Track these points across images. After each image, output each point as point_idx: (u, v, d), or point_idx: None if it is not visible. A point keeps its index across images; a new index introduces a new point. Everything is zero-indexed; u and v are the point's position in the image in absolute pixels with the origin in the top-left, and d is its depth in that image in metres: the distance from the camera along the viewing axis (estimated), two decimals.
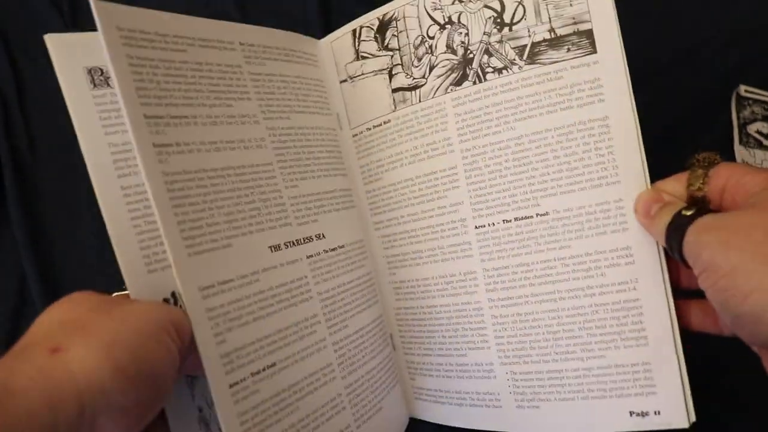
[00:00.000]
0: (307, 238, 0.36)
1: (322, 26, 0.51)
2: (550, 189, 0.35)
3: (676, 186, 0.34)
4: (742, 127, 0.51)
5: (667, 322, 0.34)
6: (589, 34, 0.35)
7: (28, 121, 0.49)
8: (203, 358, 0.28)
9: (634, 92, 0.49)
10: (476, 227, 0.38)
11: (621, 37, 0.35)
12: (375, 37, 0.40)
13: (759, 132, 0.51)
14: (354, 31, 0.41)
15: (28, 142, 0.48)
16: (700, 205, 0.32)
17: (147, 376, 0.25)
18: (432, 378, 0.41)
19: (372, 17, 0.40)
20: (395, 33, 0.40)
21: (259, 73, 0.36)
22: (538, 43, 0.36)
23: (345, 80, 0.42)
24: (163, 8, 0.32)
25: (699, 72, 0.50)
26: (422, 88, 0.39)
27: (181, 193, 0.30)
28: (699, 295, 0.31)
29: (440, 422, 0.41)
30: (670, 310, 0.34)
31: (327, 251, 0.38)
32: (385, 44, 0.40)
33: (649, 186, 0.35)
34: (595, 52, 0.35)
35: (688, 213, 0.31)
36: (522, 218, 0.36)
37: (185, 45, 0.33)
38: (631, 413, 0.35)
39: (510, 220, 0.37)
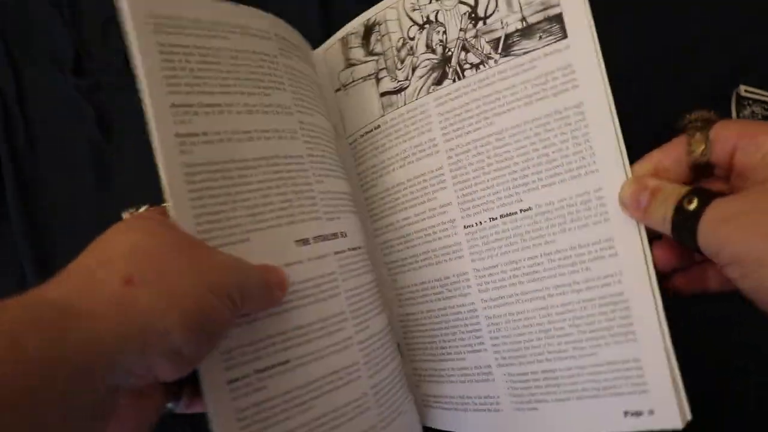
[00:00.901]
0: (333, 234, 0.36)
1: (322, 26, 0.52)
2: (531, 183, 0.35)
3: (669, 156, 0.31)
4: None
5: (653, 316, 0.33)
6: (558, 18, 0.34)
7: (27, 120, 0.49)
8: None
9: (632, 92, 0.49)
10: (465, 227, 0.38)
11: (592, 18, 0.34)
12: (362, 43, 0.41)
13: None
14: (343, 39, 0.41)
15: (28, 142, 0.48)
16: (696, 177, 0.29)
17: (207, 332, 0.25)
18: (436, 384, 0.41)
19: (358, 24, 0.41)
20: (379, 37, 0.40)
21: (291, 67, 0.36)
22: (511, 34, 0.35)
23: (339, 89, 0.42)
24: None
25: (699, 71, 0.50)
26: (407, 90, 0.39)
27: (202, 185, 0.29)
28: None
29: (447, 429, 0.41)
30: (656, 303, 0.33)
31: (350, 249, 0.37)
32: (371, 49, 0.40)
33: (629, 171, 0.32)
34: (565, 37, 0.34)
35: (692, 207, 0.28)
36: (506, 215, 0.36)
37: (226, 32, 0.32)
38: (625, 413, 0.34)
39: (496, 218, 0.36)
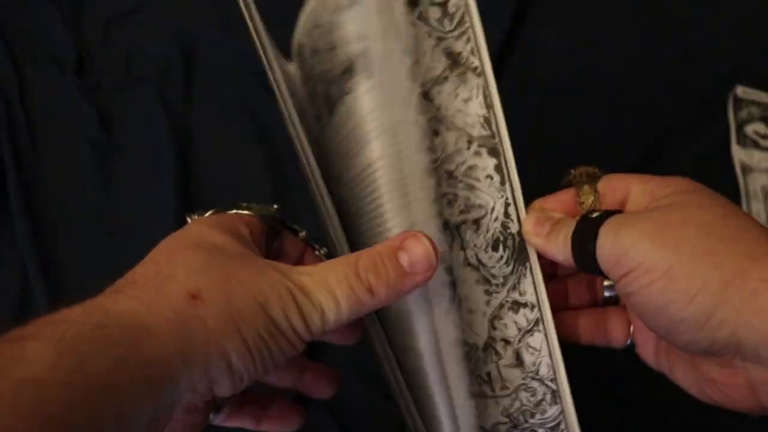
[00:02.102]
0: None
1: None
2: None
3: (560, 204, 0.31)
4: (740, 127, 0.50)
5: None
6: None
7: (30, 122, 0.49)
8: None
9: (632, 95, 0.49)
10: None
11: None
12: None
13: (756, 132, 0.50)
14: None
15: (31, 142, 0.48)
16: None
17: (267, 358, 0.24)
18: None
19: None
20: None
21: None
22: None
23: None
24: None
25: (697, 72, 0.50)
26: None
27: None
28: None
29: None
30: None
31: None
32: None
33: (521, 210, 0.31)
34: None
35: (595, 215, 0.28)
36: None
37: None
38: None
39: None
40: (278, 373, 0.32)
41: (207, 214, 0.29)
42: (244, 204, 0.30)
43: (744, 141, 0.50)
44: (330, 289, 0.25)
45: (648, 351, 0.31)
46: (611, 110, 0.51)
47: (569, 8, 0.55)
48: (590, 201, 0.30)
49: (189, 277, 0.23)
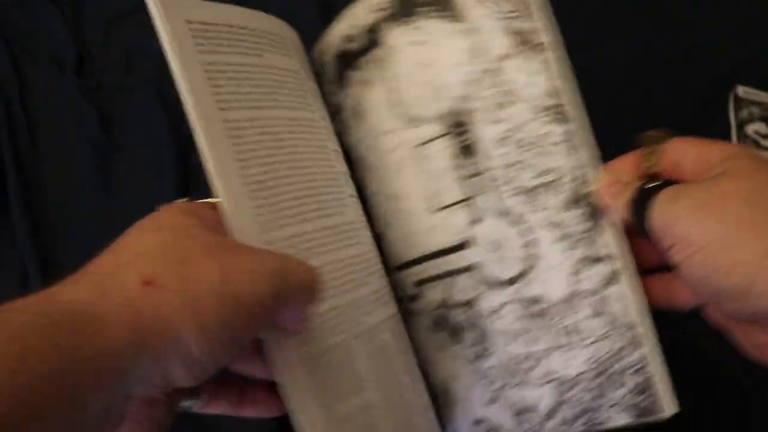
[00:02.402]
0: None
1: (322, 26, 0.52)
2: None
3: (627, 164, 0.32)
4: (740, 127, 0.50)
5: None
6: None
7: (30, 121, 0.49)
8: None
9: (633, 95, 0.50)
10: None
11: None
12: None
13: (757, 132, 0.50)
14: None
15: (31, 142, 0.48)
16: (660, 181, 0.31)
17: (227, 344, 0.23)
18: None
19: None
20: None
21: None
22: None
23: None
24: None
25: (697, 72, 0.50)
26: None
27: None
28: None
29: None
30: None
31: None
32: None
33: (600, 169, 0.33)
34: None
35: (652, 185, 0.29)
36: None
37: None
38: None
39: None
40: (248, 363, 0.31)
41: (179, 202, 0.29)
42: (212, 201, 0.30)
43: (744, 141, 0.50)
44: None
45: (711, 314, 0.32)
46: (611, 110, 0.51)
47: (569, 8, 0.55)
48: (649, 164, 0.31)
49: (145, 264, 0.22)
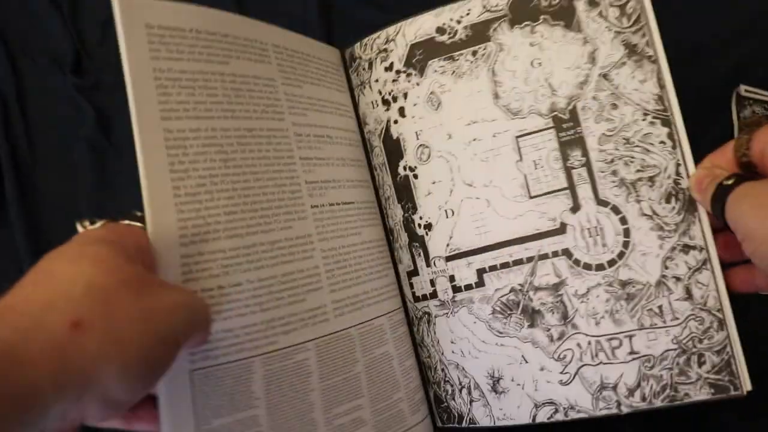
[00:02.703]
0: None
1: (322, 26, 0.51)
2: None
3: (723, 157, 0.35)
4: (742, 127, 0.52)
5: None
6: None
7: (27, 121, 0.49)
8: None
9: None
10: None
11: None
12: None
13: None
14: None
15: (28, 142, 0.48)
16: (745, 173, 0.33)
17: (148, 378, 0.24)
18: None
19: None
20: None
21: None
22: None
23: None
24: None
25: (699, 71, 0.51)
26: None
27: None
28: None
29: None
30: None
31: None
32: None
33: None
34: None
35: (728, 183, 0.31)
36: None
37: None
38: None
39: None
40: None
41: (98, 225, 0.29)
42: (139, 213, 0.30)
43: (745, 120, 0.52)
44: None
45: None
46: None
47: None
48: (742, 150, 0.33)
49: (69, 304, 0.22)
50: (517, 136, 0.40)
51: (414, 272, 0.43)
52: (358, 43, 0.44)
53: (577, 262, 0.39)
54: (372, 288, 0.41)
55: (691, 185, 0.36)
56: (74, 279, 0.23)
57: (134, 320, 0.23)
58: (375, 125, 0.44)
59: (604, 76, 0.38)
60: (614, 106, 0.38)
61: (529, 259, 0.39)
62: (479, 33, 0.41)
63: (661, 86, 0.37)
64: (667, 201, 0.37)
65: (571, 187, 0.39)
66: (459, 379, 0.41)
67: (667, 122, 0.37)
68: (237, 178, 0.33)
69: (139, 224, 0.30)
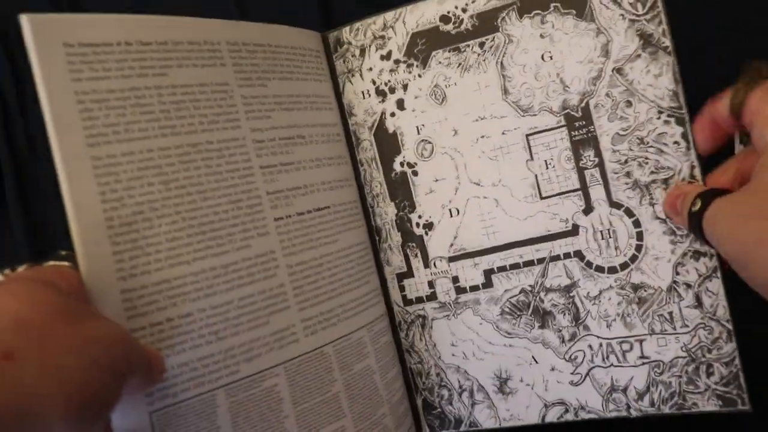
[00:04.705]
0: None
1: (322, 27, 0.51)
2: None
3: (718, 181, 0.34)
4: (742, 126, 0.52)
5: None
6: None
7: (27, 121, 0.49)
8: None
9: None
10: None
11: None
12: None
13: None
14: None
15: (28, 142, 0.48)
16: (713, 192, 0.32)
17: (92, 412, 0.23)
18: None
19: None
20: None
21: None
22: None
23: None
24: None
25: (699, 71, 0.51)
26: None
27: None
28: None
29: None
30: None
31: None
32: None
33: None
34: None
35: (695, 209, 0.31)
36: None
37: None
38: None
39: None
40: None
41: (20, 269, 0.28)
42: (63, 253, 0.29)
43: (747, 140, 0.52)
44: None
45: None
46: None
47: None
48: (738, 99, 0.31)
49: (3, 333, 0.22)
50: (528, 135, 0.39)
51: (406, 274, 0.42)
52: (348, 27, 0.42)
53: (589, 264, 0.38)
54: (350, 299, 0.39)
55: (665, 210, 0.36)
56: (6, 313, 0.23)
57: (70, 349, 0.23)
58: (365, 117, 0.42)
59: (618, 70, 0.37)
60: (628, 104, 0.37)
61: (540, 261, 0.39)
62: (486, 22, 0.39)
63: (677, 81, 0.36)
64: None
65: (584, 189, 0.38)
66: (459, 382, 0.41)
67: (681, 121, 0.36)
68: (180, 200, 0.31)
69: (67, 263, 0.29)
